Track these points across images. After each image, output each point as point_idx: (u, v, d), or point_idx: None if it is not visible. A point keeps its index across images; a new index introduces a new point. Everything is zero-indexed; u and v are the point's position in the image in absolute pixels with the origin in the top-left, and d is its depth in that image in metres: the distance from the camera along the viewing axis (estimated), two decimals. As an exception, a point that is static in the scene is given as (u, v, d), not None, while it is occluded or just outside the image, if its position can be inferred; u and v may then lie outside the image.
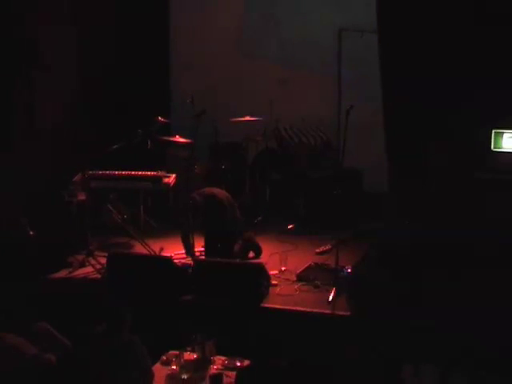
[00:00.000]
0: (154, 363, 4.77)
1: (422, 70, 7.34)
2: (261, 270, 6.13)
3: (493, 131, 7.44)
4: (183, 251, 7.00)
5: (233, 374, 4.55)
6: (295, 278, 6.42)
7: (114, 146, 7.58)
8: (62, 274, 6.60)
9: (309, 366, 4.86)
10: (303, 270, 6.57)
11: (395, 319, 5.24)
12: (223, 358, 4.95)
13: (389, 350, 5.12)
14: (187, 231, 6.89)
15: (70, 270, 6.66)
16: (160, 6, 9.75)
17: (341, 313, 5.63)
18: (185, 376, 4.64)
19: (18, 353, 4.43)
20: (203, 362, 4.88)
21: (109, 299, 5.95)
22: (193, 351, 4.97)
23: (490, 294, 5.49)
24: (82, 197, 7.18)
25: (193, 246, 6.90)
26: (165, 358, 4.95)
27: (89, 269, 6.69)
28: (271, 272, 6.37)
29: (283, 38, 9.65)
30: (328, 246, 7.20)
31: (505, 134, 7.42)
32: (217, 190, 7.18)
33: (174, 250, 7.08)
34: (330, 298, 5.88)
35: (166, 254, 6.94)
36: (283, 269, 6.61)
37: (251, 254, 7.01)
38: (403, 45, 7.43)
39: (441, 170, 7.47)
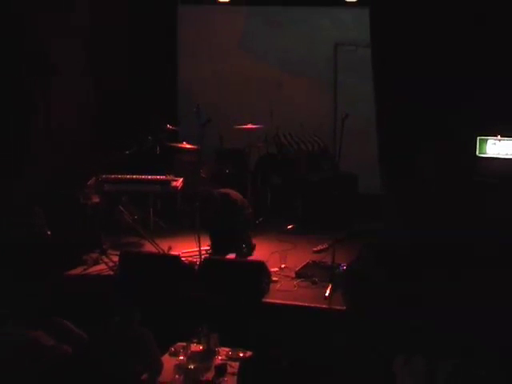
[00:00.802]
0: (162, 354, 4.81)
1: (411, 78, 7.38)
2: (262, 268, 6.15)
3: (478, 138, 7.50)
4: (190, 250, 7.02)
5: (236, 364, 4.55)
6: (294, 275, 6.43)
7: (126, 152, 7.63)
8: (78, 271, 6.63)
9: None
10: (302, 268, 6.58)
11: (389, 315, 5.17)
12: (227, 349, 4.96)
13: (382, 342, 5.08)
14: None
15: (85, 267, 6.69)
16: (168, 20, 9.74)
17: (337, 307, 5.62)
18: (191, 366, 4.67)
19: (37, 344, 4.47)
20: (209, 353, 4.90)
21: (121, 294, 5.98)
22: (199, 343, 4.99)
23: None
24: (95, 199, 7.22)
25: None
26: (173, 349, 4.97)
27: (102, 266, 6.72)
28: (272, 269, 6.38)
29: (283, 51, 9.68)
30: (325, 245, 7.20)
31: (489, 141, 7.47)
32: (232, 191, 7.16)
33: (182, 249, 7.10)
34: (327, 294, 5.91)
35: (173, 252, 6.96)
36: (283, 266, 6.63)
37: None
38: (394, 56, 7.49)
39: (429, 172, 7.48)
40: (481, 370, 4.48)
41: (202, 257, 6.65)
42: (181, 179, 7.64)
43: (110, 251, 6.93)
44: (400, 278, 5.47)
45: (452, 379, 4.55)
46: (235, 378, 4.35)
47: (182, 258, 6.63)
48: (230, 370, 4.60)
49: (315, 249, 7.24)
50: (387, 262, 5.74)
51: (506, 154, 7.44)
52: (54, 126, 8.07)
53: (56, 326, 4.77)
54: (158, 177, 7.62)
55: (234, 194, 7.14)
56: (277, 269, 6.54)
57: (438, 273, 5.64)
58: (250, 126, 8.54)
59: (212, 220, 7.00)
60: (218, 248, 6.96)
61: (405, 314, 5.11)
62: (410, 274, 5.54)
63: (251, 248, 7.08)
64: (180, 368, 4.65)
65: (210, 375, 4.60)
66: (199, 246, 6.68)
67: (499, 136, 7.44)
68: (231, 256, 6.81)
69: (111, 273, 6.56)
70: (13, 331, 4.50)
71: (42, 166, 7.77)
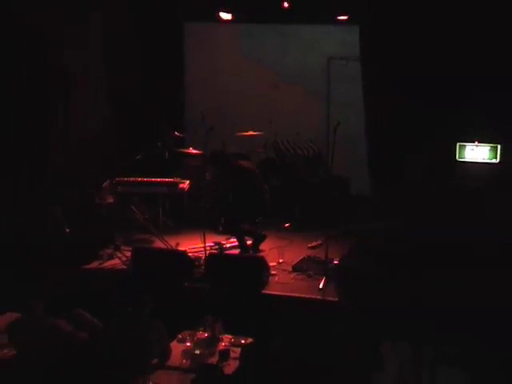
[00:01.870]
0: (171, 341, 4.82)
1: (397, 88, 7.44)
2: (262, 262, 6.19)
3: (457, 144, 7.58)
4: (196, 246, 7.05)
5: (238, 350, 4.59)
6: (291, 269, 6.46)
7: (138, 157, 7.67)
8: (94, 265, 6.67)
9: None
10: (298, 262, 6.61)
11: (378, 305, 5.11)
12: (230, 336, 4.97)
13: (370, 329, 5.08)
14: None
15: (101, 261, 6.74)
16: (175, 35, 9.75)
17: (330, 298, 5.68)
18: (198, 351, 4.68)
19: (56, 330, 4.51)
20: (213, 340, 4.90)
21: (133, 286, 6.00)
22: (204, 330, 5.00)
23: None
24: (110, 200, 7.26)
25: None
26: (180, 336, 4.98)
27: (116, 261, 6.76)
28: (271, 264, 6.41)
29: (281, 64, 9.71)
30: (319, 242, 7.23)
31: (467, 147, 7.57)
32: (246, 163, 7.11)
33: (188, 245, 7.14)
34: (321, 286, 5.94)
35: (181, 248, 6.99)
36: (281, 261, 6.66)
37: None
38: (381, 69, 7.55)
39: (415, 174, 7.51)
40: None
41: (207, 252, 6.68)
42: (187, 181, 7.67)
43: (123, 247, 6.97)
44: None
45: (435, 363, 4.55)
46: (237, 362, 4.39)
47: (189, 254, 6.66)
48: (232, 355, 4.61)
49: (310, 245, 7.26)
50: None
51: (483, 159, 7.56)
52: (72, 129, 8.10)
53: (75, 315, 4.81)
54: (167, 179, 7.65)
55: (247, 164, 7.04)
56: (275, 263, 6.57)
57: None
58: (250, 133, 8.58)
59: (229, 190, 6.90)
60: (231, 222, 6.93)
61: (397, 311, 5.00)
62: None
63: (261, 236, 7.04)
64: (187, 353, 4.67)
65: (214, 360, 4.62)
66: (204, 243, 6.71)
67: (476, 142, 7.54)
68: (234, 252, 6.84)
69: (124, 267, 6.60)
70: (38, 317, 4.54)
71: (61, 167, 7.79)
